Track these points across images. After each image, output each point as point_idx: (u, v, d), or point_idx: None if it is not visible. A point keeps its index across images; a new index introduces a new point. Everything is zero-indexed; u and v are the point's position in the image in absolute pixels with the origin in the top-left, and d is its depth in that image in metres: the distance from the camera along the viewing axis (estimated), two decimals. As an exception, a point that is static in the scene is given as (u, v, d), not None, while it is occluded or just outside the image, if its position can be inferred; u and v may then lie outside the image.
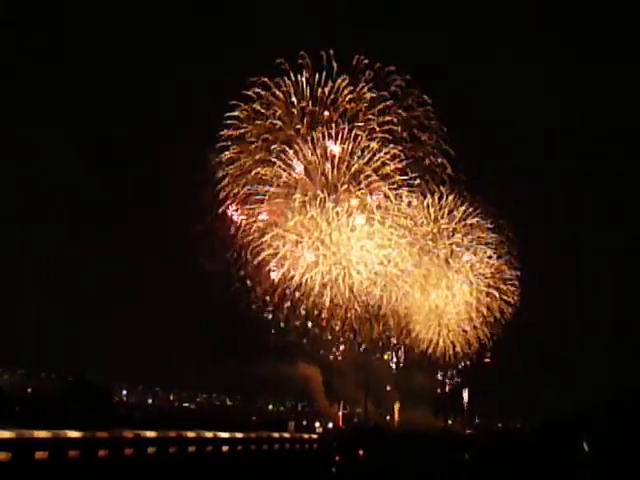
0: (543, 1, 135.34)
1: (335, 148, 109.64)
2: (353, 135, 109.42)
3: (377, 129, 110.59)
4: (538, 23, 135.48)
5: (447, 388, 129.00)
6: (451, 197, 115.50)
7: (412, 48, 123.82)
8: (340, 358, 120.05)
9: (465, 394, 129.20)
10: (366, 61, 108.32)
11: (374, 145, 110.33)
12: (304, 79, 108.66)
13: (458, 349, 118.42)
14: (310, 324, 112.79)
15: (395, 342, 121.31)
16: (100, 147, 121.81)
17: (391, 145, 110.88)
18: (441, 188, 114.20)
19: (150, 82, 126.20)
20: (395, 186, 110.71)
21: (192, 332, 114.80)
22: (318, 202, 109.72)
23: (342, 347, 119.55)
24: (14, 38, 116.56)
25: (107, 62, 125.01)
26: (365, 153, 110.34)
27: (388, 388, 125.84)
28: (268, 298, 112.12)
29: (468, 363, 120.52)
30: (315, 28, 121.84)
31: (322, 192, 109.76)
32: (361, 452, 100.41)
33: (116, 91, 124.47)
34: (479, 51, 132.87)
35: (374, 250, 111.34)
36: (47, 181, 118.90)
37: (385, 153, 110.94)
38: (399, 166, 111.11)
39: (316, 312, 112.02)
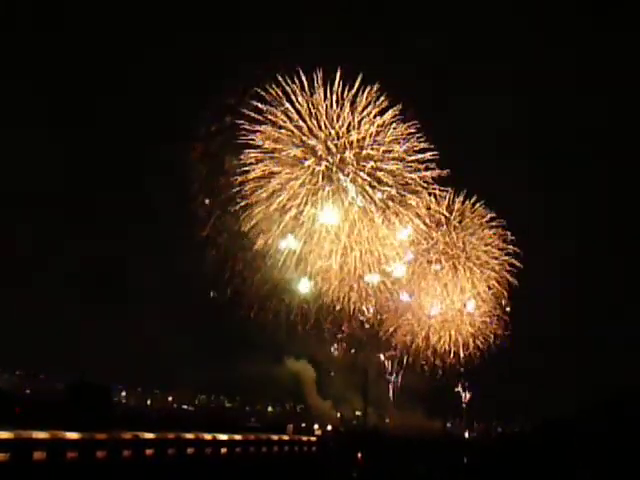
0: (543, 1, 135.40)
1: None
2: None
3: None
4: (537, 23, 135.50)
5: (446, 391, 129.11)
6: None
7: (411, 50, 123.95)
8: (335, 356, 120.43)
9: (464, 397, 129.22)
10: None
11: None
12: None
13: (457, 351, 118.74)
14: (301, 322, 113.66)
15: (393, 343, 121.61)
16: (89, 145, 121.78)
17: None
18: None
19: (144, 81, 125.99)
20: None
21: (188, 333, 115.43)
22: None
23: (336, 346, 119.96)
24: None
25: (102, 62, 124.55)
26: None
27: (386, 390, 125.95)
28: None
29: (464, 367, 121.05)
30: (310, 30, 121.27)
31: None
32: (360, 455, 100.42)
33: (107, 89, 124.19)
34: (478, 52, 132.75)
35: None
36: (41, 180, 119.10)
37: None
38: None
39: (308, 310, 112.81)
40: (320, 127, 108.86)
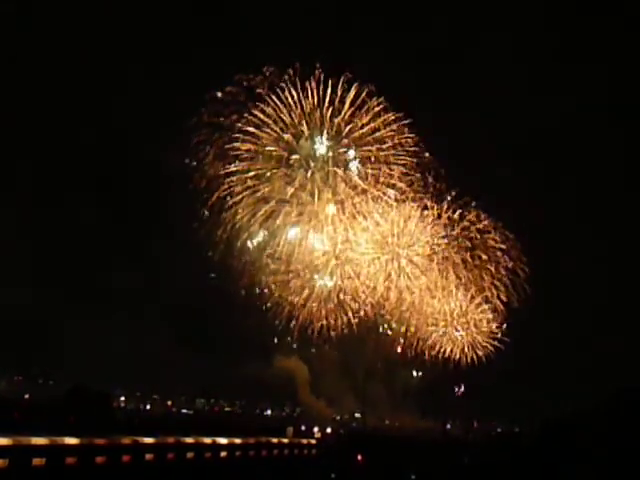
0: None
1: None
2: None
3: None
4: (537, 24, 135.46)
5: (445, 392, 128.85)
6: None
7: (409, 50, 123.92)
8: (325, 355, 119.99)
9: (461, 396, 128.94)
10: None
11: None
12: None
13: (457, 354, 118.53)
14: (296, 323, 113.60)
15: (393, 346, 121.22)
16: (75, 145, 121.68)
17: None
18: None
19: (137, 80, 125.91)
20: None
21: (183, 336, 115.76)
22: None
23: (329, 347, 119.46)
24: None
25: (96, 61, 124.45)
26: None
27: (384, 390, 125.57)
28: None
29: (464, 368, 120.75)
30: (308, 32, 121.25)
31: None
32: (360, 457, 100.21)
33: (100, 90, 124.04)
34: (478, 53, 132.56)
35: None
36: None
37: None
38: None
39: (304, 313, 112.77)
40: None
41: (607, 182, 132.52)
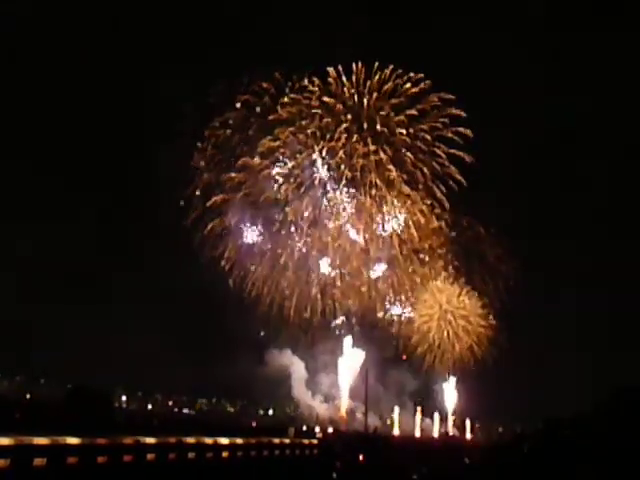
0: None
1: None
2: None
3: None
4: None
5: (445, 393, 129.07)
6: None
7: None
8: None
9: (457, 396, 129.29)
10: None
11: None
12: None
13: (454, 353, 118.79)
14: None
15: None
16: (75, 145, 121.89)
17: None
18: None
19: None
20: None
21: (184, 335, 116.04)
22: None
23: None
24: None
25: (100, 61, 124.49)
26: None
27: (385, 390, 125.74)
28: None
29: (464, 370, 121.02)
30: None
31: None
32: (361, 457, 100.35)
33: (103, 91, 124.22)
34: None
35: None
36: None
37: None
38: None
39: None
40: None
41: (607, 182, 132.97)
